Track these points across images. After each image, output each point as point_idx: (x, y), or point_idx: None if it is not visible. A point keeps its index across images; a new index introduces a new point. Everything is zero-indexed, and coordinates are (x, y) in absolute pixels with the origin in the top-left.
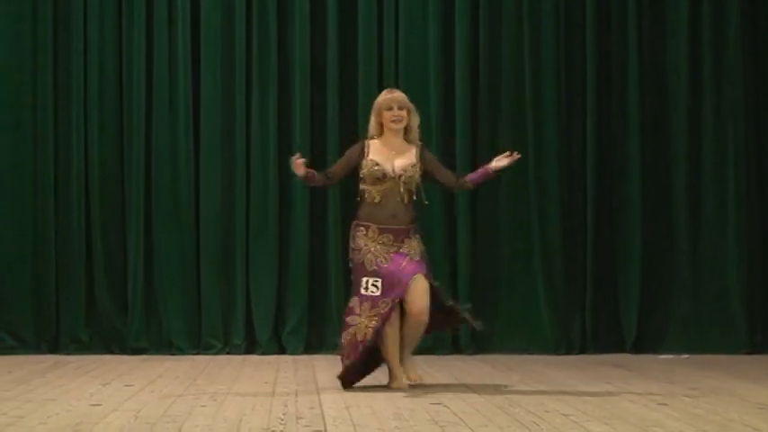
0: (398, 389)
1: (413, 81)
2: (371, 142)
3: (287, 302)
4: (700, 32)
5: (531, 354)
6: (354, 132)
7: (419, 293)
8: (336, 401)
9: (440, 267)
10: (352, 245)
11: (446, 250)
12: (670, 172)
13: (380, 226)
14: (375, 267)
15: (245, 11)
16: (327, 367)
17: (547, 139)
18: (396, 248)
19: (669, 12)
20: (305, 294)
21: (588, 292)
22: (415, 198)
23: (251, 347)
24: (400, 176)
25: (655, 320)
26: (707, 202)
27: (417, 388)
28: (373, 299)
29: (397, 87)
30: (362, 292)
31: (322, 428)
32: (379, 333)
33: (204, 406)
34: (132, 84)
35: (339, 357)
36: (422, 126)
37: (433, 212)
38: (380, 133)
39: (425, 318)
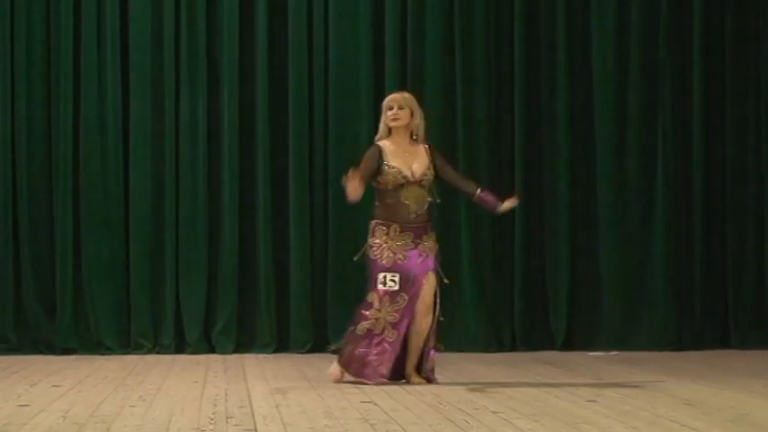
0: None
1: (343, 82)
2: (384, 144)
3: (217, 302)
4: (628, 31)
5: (462, 352)
6: (285, 136)
7: (427, 290)
8: (266, 400)
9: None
10: (370, 242)
11: None
12: (596, 173)
13: (402, 225)
14: (393, 263)
15: (174, 9)
16: (257, 366)
17: (476, 142)
18: (413, 245)
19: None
20: (235, 294)
21: (517, 291)
22: (429, 199)
23: (180, 347)
24: (420, 180)
25: (584, 319)
26: (634, 203)
27: (346, 386)
28: (392, 294)
29: (326, 88)
30: (380, 287)
31: (252, 427)
32: (400, 333)
33: (133, 406)
34: (60, 81)
35: (341, 349)
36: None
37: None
38: (389, 134)
39: (429, 311)
